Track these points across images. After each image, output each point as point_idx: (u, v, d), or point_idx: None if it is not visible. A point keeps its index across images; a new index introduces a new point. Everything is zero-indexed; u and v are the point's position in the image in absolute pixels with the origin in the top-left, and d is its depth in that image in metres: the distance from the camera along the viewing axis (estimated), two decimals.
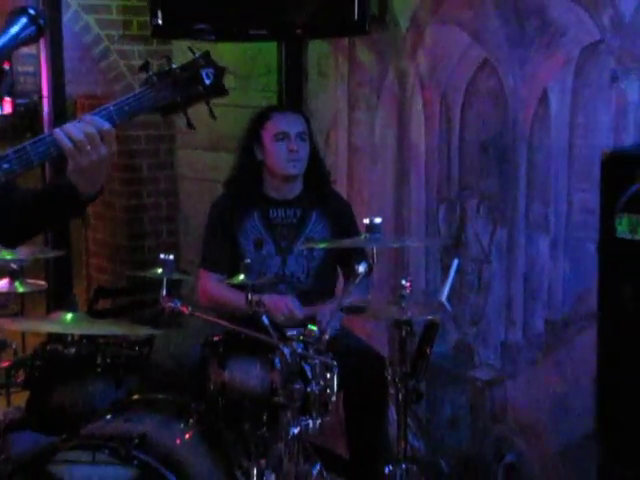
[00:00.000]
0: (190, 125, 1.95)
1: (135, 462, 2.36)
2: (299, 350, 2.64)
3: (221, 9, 3.59)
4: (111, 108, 1.84)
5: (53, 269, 4.34)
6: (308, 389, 2.63)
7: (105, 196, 5.06)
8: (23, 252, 3.44)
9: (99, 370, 2.92)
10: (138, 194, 5.27)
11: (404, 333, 2.69)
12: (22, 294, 3.86)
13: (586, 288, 3.08)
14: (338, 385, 2.72)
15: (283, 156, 3.36)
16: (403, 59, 3.77)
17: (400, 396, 2.74)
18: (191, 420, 2.73)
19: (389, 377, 2.75)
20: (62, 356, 2.93)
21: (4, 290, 3.48)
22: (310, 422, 2.66)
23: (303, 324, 2.84)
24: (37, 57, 4.27)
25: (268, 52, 4.30)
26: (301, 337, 2.70)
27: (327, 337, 2.85)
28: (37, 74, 4.41)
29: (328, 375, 2.67)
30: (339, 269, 3.51)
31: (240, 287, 2.96)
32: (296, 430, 2.60)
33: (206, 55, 1.96)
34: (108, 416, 2.68)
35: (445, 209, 3.67)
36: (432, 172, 3.71)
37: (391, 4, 3.75)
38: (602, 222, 2.63)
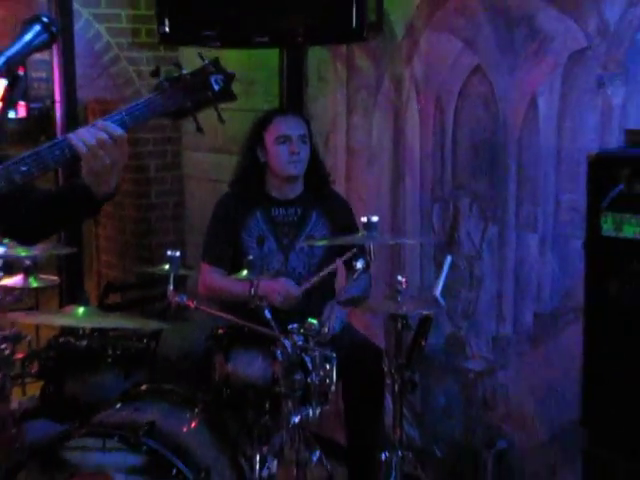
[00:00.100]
0: (199, 129, 1.96)
1: (144, 448, 2.39)
2: (299, 342, 2.66)
3: (226, 17, 3.57)
4: (123, 113, 1.85)
5: (65, 265, 4.34)
6: (308, 379, 2.66)
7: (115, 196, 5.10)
8: (37, 249, 3.41)
9: (109, 361, 2.96)
10: (146, 194, 5.28)
11: (400, 326, 2.75)
12: (36, 289, 3.86)
13: (573, 284, 3.12)
14: (337, 375, 2.73)
15: (285, 158, 3.40)
16: (399, 65, 3.78)
17: (396, 386, 2.78)
18: (197, 409, 2.76)
19: (386, 368, 2.79)
20: (74, 348, 2.96)
21: (19, 285, 3.47)
22: (310, 411, 2.68)
23: (303, 315, 2.83)
24: (50, 63, 4.27)
25: (270, 58, 4.29)
26: (301, 330, 2.71)
27: (334, 332, 2.89)
28: (50, 80, 4.38)
29: (327, 366, 2.70)
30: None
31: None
32: (297, 419, 2.64)
33: (215, 62, 1.97)
34: (118, 405, 2.71)
35: (439, 208, 3.68)
36: (426, 173, 3.72)
37: (388, 13, 3.74)
38: (588, 221, 2.65)
